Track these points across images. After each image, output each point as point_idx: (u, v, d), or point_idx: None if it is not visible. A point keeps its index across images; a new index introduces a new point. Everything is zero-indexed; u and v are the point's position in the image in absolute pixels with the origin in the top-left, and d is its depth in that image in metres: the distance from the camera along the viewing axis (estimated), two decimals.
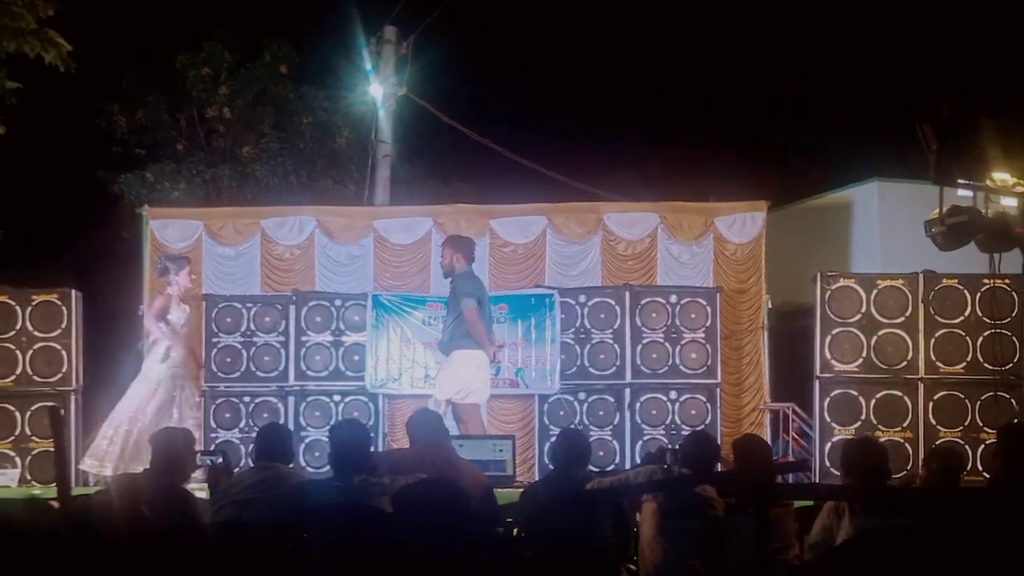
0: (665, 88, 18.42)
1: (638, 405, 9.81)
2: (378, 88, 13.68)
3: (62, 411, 9.16)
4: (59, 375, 9.50)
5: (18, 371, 9.53)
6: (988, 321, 8.96)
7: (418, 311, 10.02)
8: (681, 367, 9.84)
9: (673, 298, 9.95)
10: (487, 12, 16.28)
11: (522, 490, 6.56)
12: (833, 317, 9.36)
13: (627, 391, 9.85)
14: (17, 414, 9.47)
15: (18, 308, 9.57)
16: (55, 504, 4.38)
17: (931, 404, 9.25)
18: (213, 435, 9.65)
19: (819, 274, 9.44)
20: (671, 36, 18.15)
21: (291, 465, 6.05)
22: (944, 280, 9.32)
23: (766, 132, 18.42)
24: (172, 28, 15.67)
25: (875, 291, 9.35)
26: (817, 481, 8.85)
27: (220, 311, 9.95)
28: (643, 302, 9.94)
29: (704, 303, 9.92)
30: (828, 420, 9.26)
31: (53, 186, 15.38)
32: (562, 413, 9.86)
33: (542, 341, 9.88)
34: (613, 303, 9.96)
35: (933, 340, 9.28)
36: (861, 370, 9.30)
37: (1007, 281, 8.86)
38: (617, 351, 9.90)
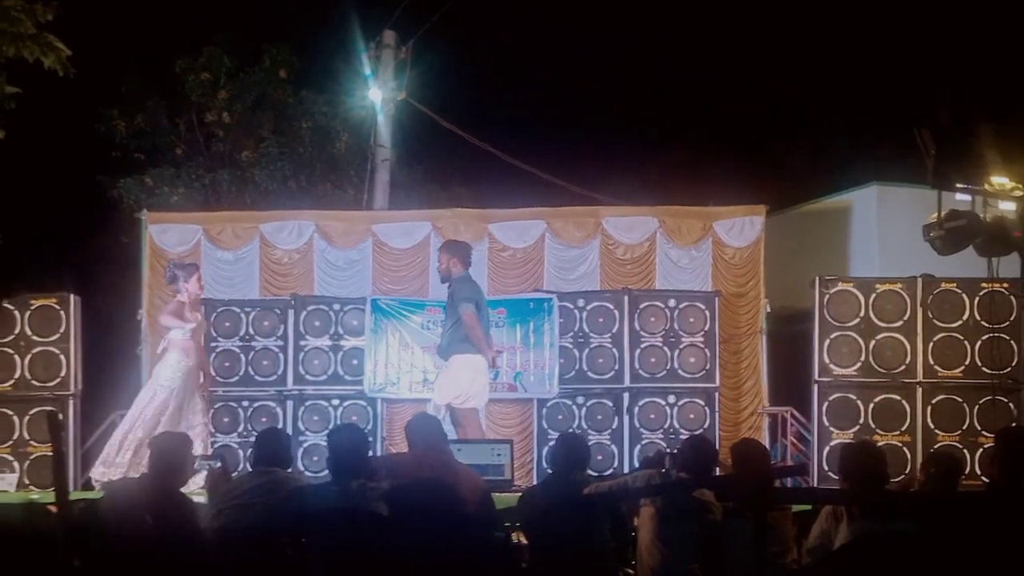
0: (664, 92, 18.42)
1: (636, 409, 9.81)
2: (377, 93, 13.68)
3: (60, 416, 9.12)
4: (57, 380, 9.47)
5: (16, 375, 9.50)
6: (986, 325, 8.96)
7: (417, 315, 10.02)
8: (680, 371, 9.85)
9: (672, 302, 9.95)
10: (486, 17, 16.30)
11: (520, 494, 6.55)
12: (832, 321, 9.37)
13: (626, 395, 9.85)
14: (15, 418, 9.44)
15: (16, 312, 9.54)
16: (53, 508, 4.38)
17: (929, 408, 9.27)
18: (211, 439, 9.62)
19: (818, 278, 9.45)
20: (670, 41, 18.16)
21: (289, 469, 6.03)
22: (942, 284, 9.34)
23: (765, 136, 18.42)
24: (171, 33, 15.64)
25: (874, 295, 9.36)
26: (815, 485, 8.87)
27: (219, 315, 9.95)
28: (642, 306, 9.94)
29: (703, 307, 9.93)
30: (826, 424, 9.28)
31: (52, 190, 15.33)
32: (560, 417, 9.85)
33: (541, 345, 9.89)
34: (612, 307, 9.96)
35: (931, 344, 9.30)
36: (859, 374, 9.32)
37: (1005, 285, 8.83)
38: (616, 355, 9.90)
